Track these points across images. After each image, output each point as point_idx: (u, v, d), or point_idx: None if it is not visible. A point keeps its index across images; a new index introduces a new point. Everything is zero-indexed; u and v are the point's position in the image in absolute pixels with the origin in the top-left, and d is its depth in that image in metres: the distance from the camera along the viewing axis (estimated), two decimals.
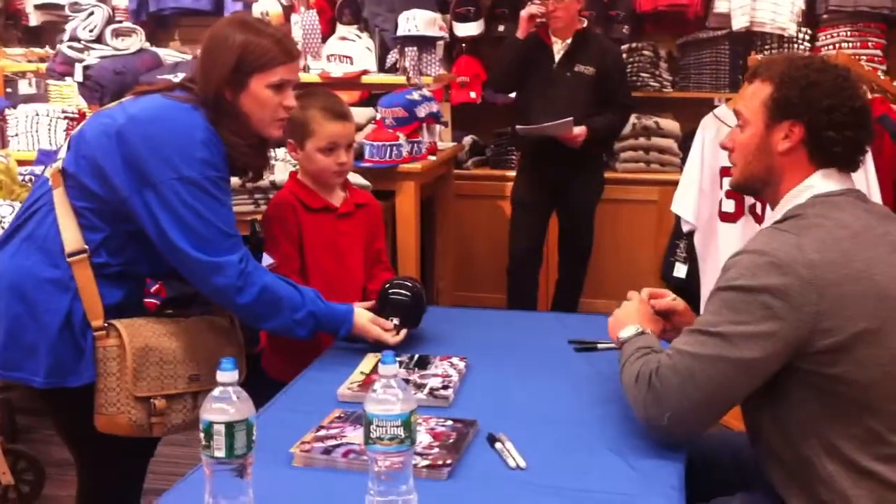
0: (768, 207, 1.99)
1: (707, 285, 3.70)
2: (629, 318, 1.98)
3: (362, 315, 2.32)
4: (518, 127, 4.37)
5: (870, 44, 4.99)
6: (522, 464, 1.71)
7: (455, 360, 2.22)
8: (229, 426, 1.38)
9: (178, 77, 4.45)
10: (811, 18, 5.11)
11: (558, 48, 4.39)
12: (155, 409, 2.07)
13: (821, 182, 1.79)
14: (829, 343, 1.65)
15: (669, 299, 2.10)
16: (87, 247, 2.04)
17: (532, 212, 4.56)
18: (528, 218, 4.56)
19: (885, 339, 1.66)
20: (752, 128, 1.84)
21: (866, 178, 3.33)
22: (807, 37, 5.07)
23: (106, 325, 2.05)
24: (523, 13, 4.36)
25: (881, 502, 1.68)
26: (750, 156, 1.85)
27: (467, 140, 5.44)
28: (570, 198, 4.52)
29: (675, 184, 3.88)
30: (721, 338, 1.67)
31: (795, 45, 5.05)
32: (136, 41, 4.74)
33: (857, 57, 4.57)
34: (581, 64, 4.36)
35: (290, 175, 2.68)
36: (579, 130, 4.25)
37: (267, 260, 2.44)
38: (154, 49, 4.89)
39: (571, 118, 4.19)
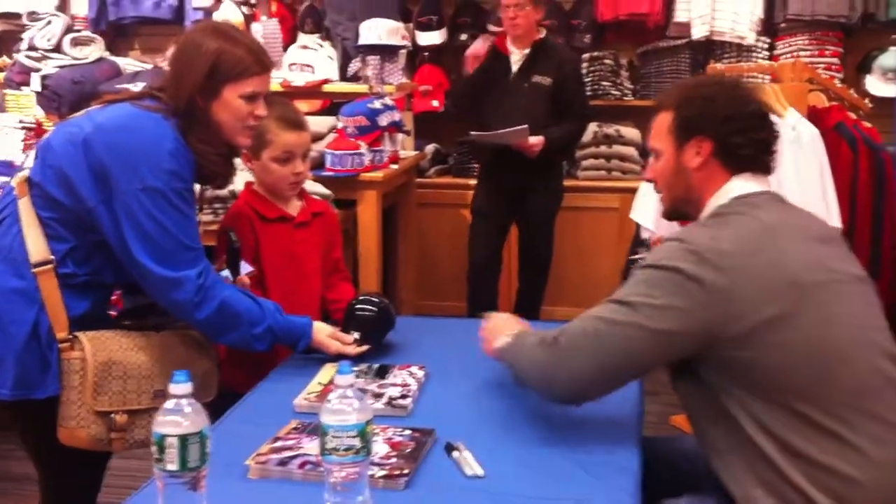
0: None
1: None
2: (499, 332, 2.05)
3: (321, 329, 2.31)
4: (472, 133, 4.37)
5: (827, 52, 5.06)
6: (480, 472, 1.71)
7: (414, 368, 2.22)
8: (182, 439, 1.37)
9: (139, 86, 4.42)
10: (770, 27, 5.18)
11: (516, 58, 4.39)
12: (115, 425, 2.05)
13: (739, 185, 1.87)
14: (741, 328, 1.70)
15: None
16: (52, 257, 2.02)
17: (490, 220, 4.55)
18: (486, 226, 4.56)
19: (798, 323, 1.71)
20: (664, 154, 1.94)
21: (823, 189, 3.37)
22: (765, 45, 5.13)
23: (70, 337, 2.03)
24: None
25: (813, 483, 1.70)
26: (670, 180, 1.95)
27: (430, 149, 5.44)
28: (529, 207, 4.51)
29: (636, 191, 3.91)
30: (630, 306, 1.74)
31: (754, 54, 5.11)
32: (96, 50, 4.70)
33: (814, 65, 4.62)
34: (539, 74, 4.36)
35: (245, 185, 2.66)
36: (536, 140, 4.25)
37: (246, 268, 2.41)
38: (113, 58, 4.84)
39: (526, 126, 4.19)
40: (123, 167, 1.99)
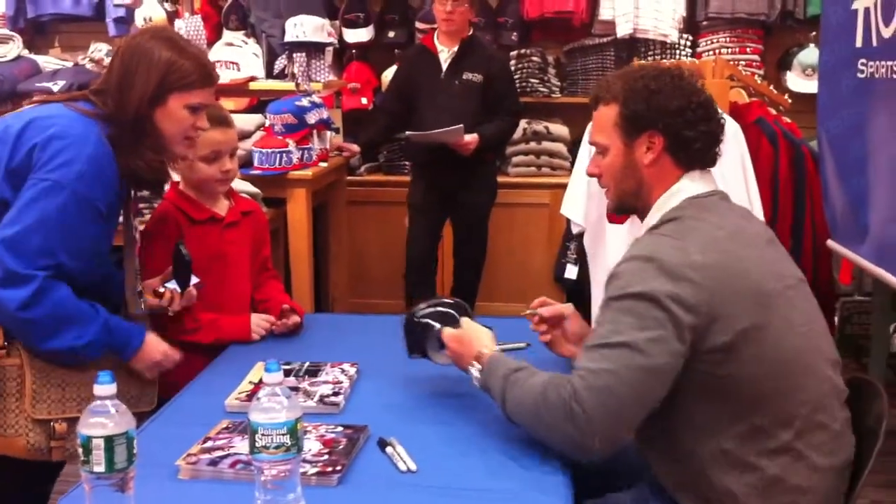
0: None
1: (598, 284, 3.76)
2: (468, 347, 1.95)
3: (155, 343, 2.22)
4: (409, 133, 4.38)
5: (748, 49, 5.17)
6: (413, 467, 1.71)
7: (346, 366, 2.21)
8: (108, 440, 1.35)
9: (59, 84, 4.34)
10: (692, 25, 5.28)
11: (445, 56, 4.39)
12: (55, 433, 2.01)
13: (690, 185, 1.85)
14: (720, 342, 1.69)
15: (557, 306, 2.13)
16: None
17: (426, 217, 4.57)
18: (422, 223, 4.58)
19: (766, 335, 1.72)
20: (612, 150, 1.89)
21: (746, 184, 3.44)
22: (688, 43, 5.22)
23: (6, 343, 1.98)
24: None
25: (766, 496, 1.73)
26: (619, 175, 1.90)
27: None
28: (462, 205, 4.53)
29: (565, 187, 3.95)
30: (629, 347, 1.67)
31: (677, 52, 5.20)
32: (14, 48, 4.60)
33: (735, 62, 4.72)
34: (469, 71, 4.37)
35: (171, 185, 2.61)
36: (471, 138, 4.27)
37: (194, 280, 2.36)
38: (32, 56, 4.74)
39: (461, 125, 4.22)
40: (39, 157, 1.96)
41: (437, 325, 2.03)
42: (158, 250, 2.43)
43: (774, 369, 1.72)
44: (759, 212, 3.45)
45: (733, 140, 3.41)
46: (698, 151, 1.85)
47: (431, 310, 2.08)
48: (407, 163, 5.21)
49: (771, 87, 4.07)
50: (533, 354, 2.16)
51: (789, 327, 1.74)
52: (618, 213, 2.05)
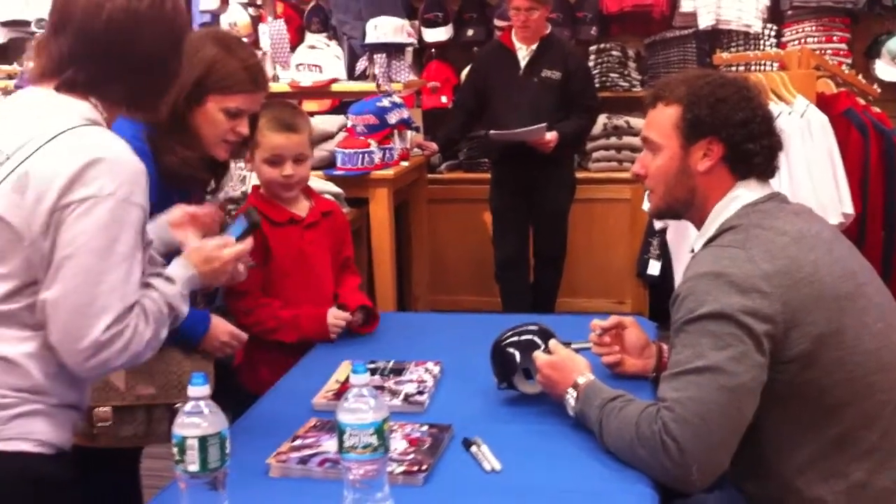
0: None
1: (680, 281, 3.73)
2: (563, 375, 1.91)
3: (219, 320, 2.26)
4: (492, 132, 4.39)
5: (834, 38, 5.05)
6: (497, 466, 1.72)
7: (430, 364, 2.23)
8: (202, 440, 1.39)
9: None
10: (776, 15, 5.17)
11: (523, 54, 4.40)
12: (97, 419, 2.06)
13: (745, 192, 1.82)
14: (798, 351, 1.67)
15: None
16: None
17: (511, 217, 4.57)
18: (507, 224, 4.58)
19: (843, 338, 1.69)
20: (667, 151, 1.85)
21: (834, 177, 3.37)
22: (772, 33, 5.12)
23: None
24: None
25: (854, 501, 1.70)
26: (671, 180, 1.86)
27: None
28: (543, 202, 4.52)
29: None
30: (713, 371, 1.63)
31: (761, 42, 5.11)
32: None
33: (821, 51, 4.62)
34: (547, 69, 4.36)
35: (252, 189, 2.66)
36: (551, 136, 4.27)
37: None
38: None
39: (544, 125, 4.22)
40: None
41: (518, 357, 2.00)
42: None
43: (854, 371, 1.69)
44: (848, 204, 3.37)
45: (821, 132, 3.34)
46: (757, 165, 1.82)
47: (516, 338, 2.05)
48: (486, 160, 5.21)
49: (859, 77, 3.97)
50: None
51: (865, 327, 1.71)
52: (659, 218, 2.01)
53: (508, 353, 2.03)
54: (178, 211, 1.95)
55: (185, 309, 1.73)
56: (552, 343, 1.99)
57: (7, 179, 1.51)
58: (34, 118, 1.57)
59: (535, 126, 4.21)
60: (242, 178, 3.55)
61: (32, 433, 1.55)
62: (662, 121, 1.85)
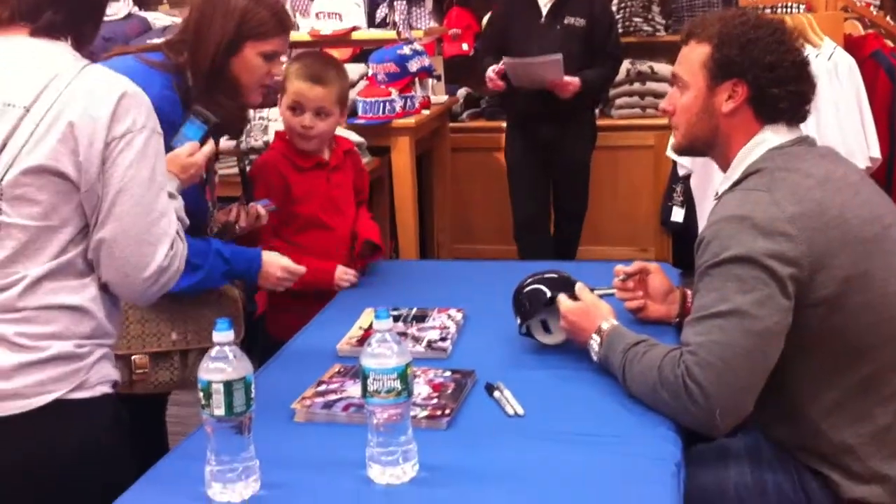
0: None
1: (705, 225, 3.71)
2: (588, 320, 1.92)
3: (271, 255, 2.31)
4: (505, 59, 4.12)
5: None
6: (521, 411, 1.73)
7: (452, 311, 2.24)
8: (227, 385, 1.40)
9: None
10: None
11: (545, 0, 4.19)
12: (136, 366, 2.10)
13: (772, 136, 1.79)
14: (824, 294, 1.65)
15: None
16: None
17: (528, 174, 4.38)
18: (525, 182, 4.39)
19: (870, 283, 1.68)
20: (693, 90, 1.83)
21: (861, 120, 3.33)
22: None
23: None
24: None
25: (881, 444, 1.71)
26: (693, 118, 1.84)
27: (461, 93, 5.42)
28: (562, 156, 4.32)
29: (670, 129, 3.88)
30: (738, 315, 1.63)
31: None
32: (124, 7, 4.70)
33: None
34: (571, 15, 4.15)
35: (276, 133, 2.67)
36: (571, 79, 4.09)
37: (265, 202, 2.40)
38: (143, 14, 4.85)
39: (560, 56, 4.00)
40: None
41: (548, 292, 2.00)
42: (257, 196, 2.50)
43: (881, 314, 1.68)
44: (875, 147, 3.33)
45: (848, 75, 3.30)
46: (783, 110, 1.79)
47: (537, 284, 2.04)
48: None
49: (888, 18, 3.90)
50: None
51: (892, 269, 1.70)
52: (681, 154, 2.00)
53: (532, 292, 2.03)
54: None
55: (186, 219, 1.77)
56: (578, 286, 1.99)
57: (48, 132, 1.51)
58: (34, 66, 1.56)
59: (550, 57, 3.98)
60: (264, 128, 3.55)
61: (109, 375, 1.62)
62: (692, 59, 1.84)
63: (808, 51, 3.24)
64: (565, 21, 4.16)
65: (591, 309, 1.93)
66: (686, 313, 2.01)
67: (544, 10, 4.18)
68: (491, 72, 4.12)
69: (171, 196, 1.70)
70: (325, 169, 2.61)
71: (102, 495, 1.50)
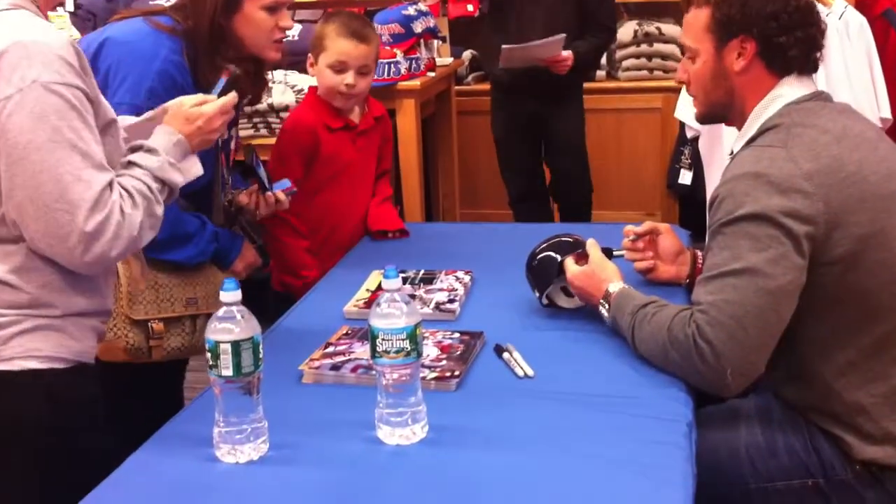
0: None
1: (712, 191, 3.68)
2: (594, 285, 1.90)
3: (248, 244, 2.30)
4: (504, 47, 3.95)
5: None
6: (530, 372, 1.72)
7: (460, 273, 2.22)
8: (235, 345, 1.39)
9: (171, 1, 4.40)
10: None
11: None
12: (153, 333, 2.08)
13: (788, 90, 1.76)
14: (841, 253, 1.63)
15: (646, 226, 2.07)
16: None
17: (519, 148, 4.20)
18: (514, 156, 4.23)
19: (888, 241, 1.66)
20: (703, 56, 1.81)
21: (872, 79, 3.28)
22: None
23: None
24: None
25: (893, 405, 1.69)
26: (708, 84, 1.82)
27: (466, 55, 5.35)
28: (554, 134, 4.13)
29: (678, 90, 3.82)
30: (751, 273, 1.61)
31: None
32: None
33: None
34: None
35: (309, 89, 2.63)
36: (567, 55, 3.91)
37: (282, 185, 2.38)
38: None
39: (563, 36, 3.86)
40: (113, 80, 1.98)
41: (558, 258, 1.98)
42: (292, 153, 2.47)
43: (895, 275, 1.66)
44: (886, 108, 3.29)
45: (859, 33, 3.25)
46: (794, 59, 1.75)
47: (547, 251, 2.02)
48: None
49: None
50: None
51: None
52: (705, 123, 1.98)
53: (543, 260, 2.00)
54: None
55: (177, 178, 1.64)
56: (589, 242, 1.98)
57: None
58: None
59: (553, 38, 3.84)
60: (268, 91, 3.51)
61: (39, 349, 1.50)
62: (695, 24, 1.81)
63: (819, 9, 3.22)
64: None
65: (596, 272, 1.91)
66: (697, 274, 1.99)
67: None
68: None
69: (149, 151, 1.60)
70: (353, 131, 2.58)
71: (38, 470, 1.49)
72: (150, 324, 2.07)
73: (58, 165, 1.42)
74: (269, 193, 2.30)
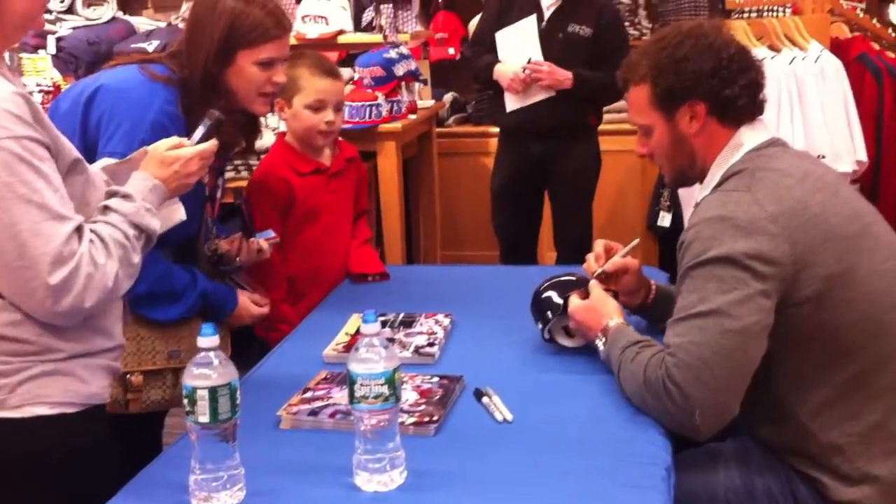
0: None
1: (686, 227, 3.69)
2: (594, 319, 1.90)
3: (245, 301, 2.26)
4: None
5: None
6: (509, 417, 1.71)
7: (440, 317, 2.22)
8: (212, 391, 1.38)
9: (153, 44, 4.41)
10: None
11: (548, 3, 3.74)
12: (131, 385, 2.05)
13: (747, 137, 1.80)
14: (809, 293, 1.65)
15: (622, 253, 2.07)
16: None
17: (516, 200, 3.96)
18: (511, 208, 3.96)
19: (853, 280, 1.68)
20: (656, 129, 1.84)
21: (848, 123, 3.33)
22: None
23: None
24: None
25: (869, 443, 1.70)
26: (670, 152, 1.85)
27: (448, 97, 5.40)
28: (561, 177, 3.90)
29: None
30: (717, 314, 1.63)
31: None
32: (108, 10, 4.67)
33: None
34: (576, 23, 3.70)
35: (277, 137, 2.64)
36: (565, 75, 3.67)
37: (266, 234, 2.38)
38: (126, 17, 4.82)
39: (534, 16, 3.66)
40: (106, 129, 1.96)
41: (559, 298, 1.99)
42: (266, 206, 2.47)
43: (866, 311, 1.68)
44: (862, 150, 3.33)
45: (835, 77, 3.30)
46: (744, 107, 1.79)
47: (553, 289, 2.03)
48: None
49: (874, 21, 3.91)
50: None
51: (874, 266, 1.70)
52: (677, 187, 2.00)
53: (549, 297, 2.01)
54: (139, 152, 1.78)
55: (154, 224, 1.60)
56: (591, 283, 1.99)
57: None
58: None
59: (526, 19, 3.64)
60: (273, 130, 3.52)
61: (48, 395, 1.49)
62: (639, 102, 1.85)
63: (796, 53, 3.27)
64: (569, 29, 3.72)
65: (597, 307, 1.92)
66: (646, 305, 2.06)
67: (547, 14, 3.75)
68: (510, 72, 3.71)
69: (124, 197, 1.57)
70: (325, 174, 2.59)
71: None
72: (128, 376, 2.04)
73: (14, 223, 1.40)
74: (252, 240, 2.29)
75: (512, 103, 3.81)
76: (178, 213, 1.72)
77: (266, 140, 3.54)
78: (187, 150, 1.73)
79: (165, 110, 1.98)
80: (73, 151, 1.55)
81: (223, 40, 1.99)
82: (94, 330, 1.56)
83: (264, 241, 2.31)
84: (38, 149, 1.44)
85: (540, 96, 3.72)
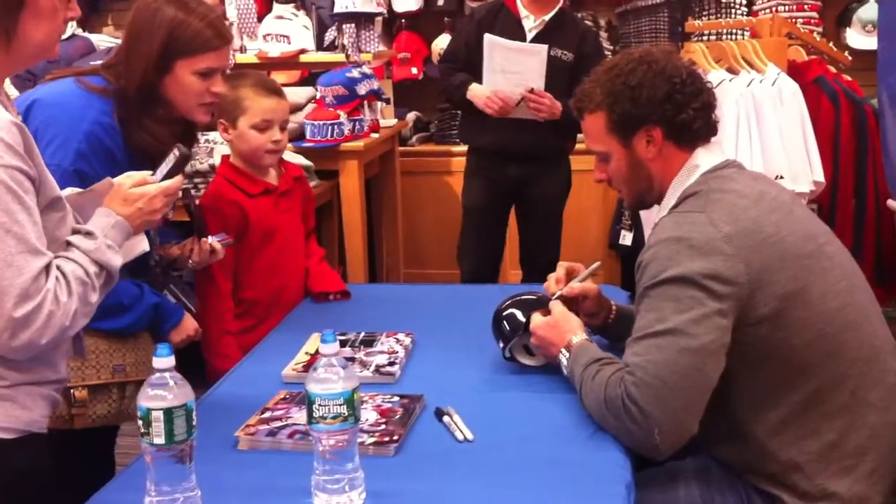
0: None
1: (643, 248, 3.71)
2: (557, 335, 1.91)
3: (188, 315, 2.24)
4: (487, 36, 3.56)
5: (805, 6, 5.01)
6: (470, 436, 1.71)
7: (401, 336, 2.21)
8: (168, 412, 1.36)
9: None
10: None
11: (530, 24, 3.64)
12: (75, 400, 2.02)
13: (702, 159, 1.83)
14: (765, 312, 1.67)
15: (582, 277, 2.07)
16: None
17: (486, 221, 3.89)
18: (480, 230, 3.89)
19: (809, 299, 1.70)
20: (614, 155, 1.87)
21: (805, 145, 3.36)
22: (744, 1, 5.09)
23: None
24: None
25: (828, 461, 1.71)
26: (628, 176, 1.88)
27: (411, 116, 5.40)
28: (532, 200, 3.86)
29: None
30: (673, 333, 1.64)
31: (732, 10, 5.07)
32: (68, 28, 4.63)
33: (793, 20, 4.60)
34: (558, 47, 3.62)
35: (222, 160, 2.62)
36: (554, 104, 3.57)
37: (221, 235, 2.34)
38: (86, 35, 4.79)
39: (546, 46, 3.53)
40: (40, 141, 1.91)
41: (522, 316, 1.98)
42: (215, 228, 2.44)
43: (822, 330, 1.70)
44: (819, 172, 3.37)
45: (792, 100, 3.33)
46: (699, 129, 1.83)
47: (514, 308, 2.02)
48: (456, 132, 5.08)
49: (830, 45, 3.96)
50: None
51: (828, 286, 1.73)
52: (637, 210, 2.02)
53: (510, 315, 2.00)
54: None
55: (115, 261, 1.58)
56: (552, 303, 1.98)
57: None
58: None
59: (536, 45, 3.55)
60: (209, 151, 3.50)
61: None
62: (595, 129, 1.88)
63: (753, 76, 3.31)
64: (551, 52, 3.59)
65: (560, 323, 1.92)
66: (608, 326, 2.07)
67: (529, 37, 3.66)
68: (486, 91, 3.60)
69: (87, 234, 1.55)
70: (274, 194, 2.57)
71: None
72: (72, 391, 2.01)
73: None
74: (205, 240, 2.26)
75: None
76: (142, 244, 1.71)
77: (218, 160, 3.52)
78: (151, 188, 1.72)
79: (100, 121, 1.98)
80: (55, 189, 1.54)
81: (162, 49, 1.99)
82: (40, 361, 1.53)
83: (217, 241, 2.28)
84: (24, 181, 1.43)
85: (524, 114, 3.63)
